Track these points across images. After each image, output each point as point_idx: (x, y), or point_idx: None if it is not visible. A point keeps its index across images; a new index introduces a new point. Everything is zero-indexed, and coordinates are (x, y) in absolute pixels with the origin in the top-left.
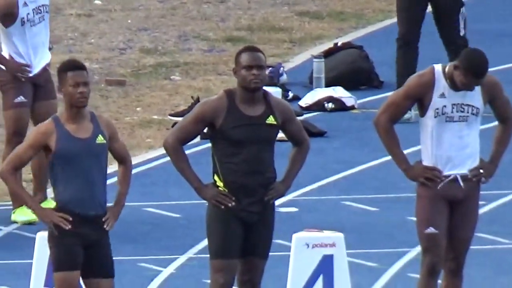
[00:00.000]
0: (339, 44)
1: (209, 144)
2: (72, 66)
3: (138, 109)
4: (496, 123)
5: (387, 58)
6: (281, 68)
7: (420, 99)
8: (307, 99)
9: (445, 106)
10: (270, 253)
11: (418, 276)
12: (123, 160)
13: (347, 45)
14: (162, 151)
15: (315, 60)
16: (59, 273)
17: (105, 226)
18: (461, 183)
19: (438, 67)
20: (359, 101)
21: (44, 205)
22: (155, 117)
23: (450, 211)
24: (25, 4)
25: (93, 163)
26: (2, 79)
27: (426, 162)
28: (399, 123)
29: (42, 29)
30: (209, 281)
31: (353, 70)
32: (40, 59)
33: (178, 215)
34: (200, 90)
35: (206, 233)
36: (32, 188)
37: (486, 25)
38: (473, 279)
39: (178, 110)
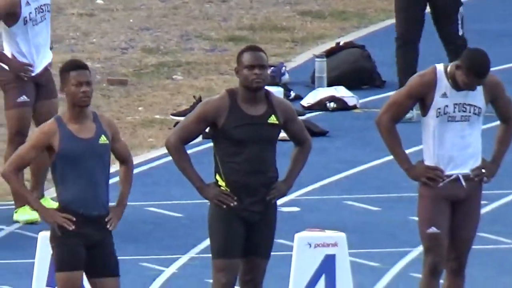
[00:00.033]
0: (341, 44)
1: (211, 144)
2: (75, 66)
3: (140, 108)
4: (498, 122)
5: (389, 57)
6: (283, 68)
7: (422, 98)
8: (309, 99)
9: (447, 105)
10: (272, 253)
11: (420, 275)
12: (125, 160)
13: (349, 45)
14: (164, 150)
15: (317, 59)
16: (61, 273)
17: (108, 226)
18: (463, 183)
19: (440, 67)
20: (361, 101)
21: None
22: (157, 116)
23: (452, 210)
24: (28, 3)
25: (96, 163)
26: (5, 78)
27: (428, 162)
28: (401, 123)
29: (44, 28)
30: (211, 280)
31: (355, 70)
32: (42, 59)
33: (180, 215)
34: (202, 89)
35: (208, 233)
36: (29, 186)
37: (486, 25)
38: (475, 279)
39: (180, 110)
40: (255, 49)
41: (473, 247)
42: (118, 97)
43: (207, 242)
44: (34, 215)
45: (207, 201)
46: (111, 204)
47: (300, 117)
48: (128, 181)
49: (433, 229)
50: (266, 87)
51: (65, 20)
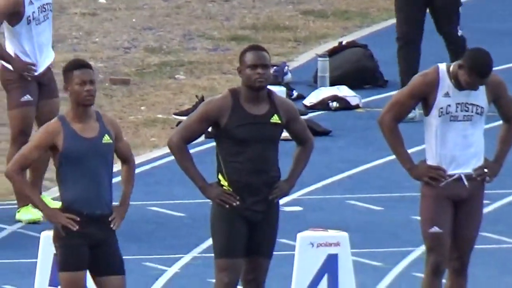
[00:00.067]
0: (343, 43)
1: (214, 143)
2: (78, 65)
3: (142, 108)
4: (500, 122)
5: (392, 57)
6: (286, 67)
7: (425, 98)
8: (312, 98)
9: (449, 105)
10: (274, 252)
11: (422, 275)
12: (127, 160)
13: (352, 44)
14: (167, 150)
15: (319, 59)
16: (64, 273)
17: (111, 226)
18: (466, 182)
19: (442, 66)
20: (363, 100)
21: None
22: (160, 116)
23: (454, 210)
24: (31, 2)
25: (100, 163)
26: (8, 78)
27: (430, 161)
28: (404, 122)
29: (46, 28)
30: (213, 280)
31: (357, 69)
32: (45, 58)
33: (182, 214)
34: (204, 89)
35: (210, 232)
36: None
37: (487, 24)
38: (477, 279)
39: (182, 109)
40: (258, 49)
41: (476, 246)
42: (120, 97)
43: (209, 242)
44: (36, 215)
45: (209, 200)
46: (113, 203)
47: (303, 117)
48: (130, 181)
49: (435, 229)
50: (269, 87)
51: (68, 19)
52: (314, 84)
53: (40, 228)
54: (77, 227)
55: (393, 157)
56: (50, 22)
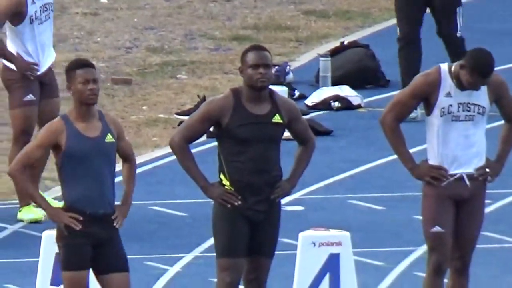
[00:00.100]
0: (345, 43)
1: (215, 143)
2: (81, 64)
3: (144, 108)
4: (502, 122)
5: (393, 57)
6: (287, 67)
7: (426, 98)
8: (314, 98)
9: (451, 105)
10: (276, 252)
11: (424, 275)
12: (128, 159)
13: (354, 44)
14: (168, 149)
15: (321, 59)
16: (67, 273)
17: (115, 224)
18: (467, 182)
19: (444, 66)
20: (365, 100)
21: None
22: (161, 115)
23: (456, 210)
24: (33, 2)
25: (103, 162)
26: (10, 78)
27: (432, 161)
28: (405, 122)
29: (48, 27)
30: (215, 279)
31: (359, 69)
32: (47, 58)
33: (184, 214)
34: (206, 89)
35: (212, 232)
36: None
37: (488, 24)
38: (479, 278)
39: (184, 109)
40: (260, 49)
41: (477, 246)
42: (122, 96)
43: (211, 241)
44: (38, 214)
45: (211, 200)
46: (116, 203)
47: (304, 117)
48: (132, 179)
49: (437, 228)
50: (271, 87)
51: (69, 19)
52: (316, 84)
53: (42, 227)
54: (80, 226)
55: (395, 157)
56: (51, 22)
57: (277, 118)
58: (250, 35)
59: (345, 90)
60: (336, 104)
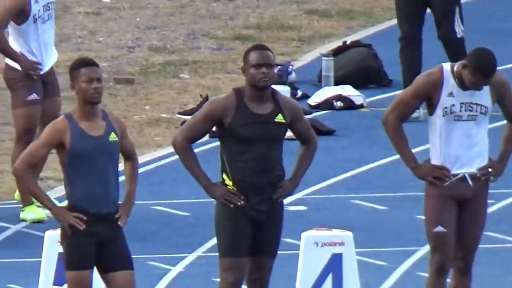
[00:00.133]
0: (348, 43)
1: (218, 143)
2: (85, 63)
3: (146, 107)
4: (504, 122)
5: (396, 56)
6: (290, 67)
7: (429, 98)
8: (316, 98)
9: (453, 105)
10: (279, 252)
11: (427, 274)
12: (130, 157)
13: (356, 44)
14: (171, 149)
15: (324, 58)
16: (71, 272)
17: (119, 223)
18: (470, 182)
19: (446, 66)
20: (368, 100)
21: None
22: (164, 115)
23: (458, 210)
24: (36, 1)
25: (107, 161)
26: (13, 77)
27: (434, 161)
28: (408, 122)
29: (50, 26)
30: (218, 279)
31: (362, 69)
32: (50, 57)
33: (186, 214)
34: (208, 88)
35: (215, 232)
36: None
37: (490, 24)
38: (482, 278)
39: (186, 109)
40: (262, 48)
41: (480, 246)
42: (124, 96)
43: (214, 241)
44: (40, 214)
45: (214, 200)
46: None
47: (307, 116)
48: (135, 178)
49: (439, 228)
50: (273, 86)
51: (72, 18)
52: (318, 84)
53: (45, 227)
54: (84, 226)
55: (397, 156)
56: (53, 21)
57: (279, 118)
58: (252, 35)
59: (347, 90)
60: (339, 103)
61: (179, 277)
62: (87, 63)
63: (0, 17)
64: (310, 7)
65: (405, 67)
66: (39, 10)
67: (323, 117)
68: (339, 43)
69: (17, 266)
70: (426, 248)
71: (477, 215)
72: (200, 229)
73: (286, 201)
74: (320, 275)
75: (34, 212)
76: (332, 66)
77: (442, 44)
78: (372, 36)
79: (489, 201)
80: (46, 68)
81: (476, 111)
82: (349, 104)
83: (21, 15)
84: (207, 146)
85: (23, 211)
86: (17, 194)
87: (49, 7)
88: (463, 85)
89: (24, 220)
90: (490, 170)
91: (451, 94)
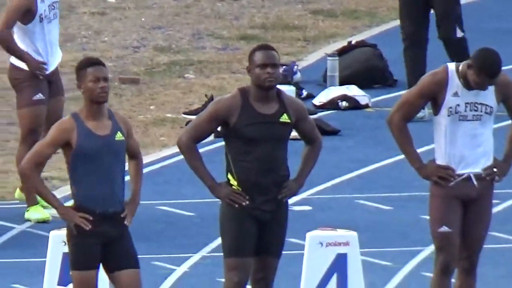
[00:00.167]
0: (353, 43)
1: (223, 143)
2: (91, 62)
3: (151, 107)
4: (509, 122)
5: (401, 56)
6: (295, 67)
7: (434, 97)
8: (321, 98)
9: (458, 105)
10: (283, 252)
11: (431, 275)
12: (135, 156)
13: (361, 44)
14: (176, 149)
15: (329, 58)
16: (76, 272)
17: (125, 222)
18: (475, 182)
19: (451, 66)
20: (373, 100)
21: None
22: (169, 115)
23: (463, 210)
24: (42, 0)
25: (113, 160)
26: (17, 77)
27: (439, 161)
28: (413, 122)
29: (55, 26)
30: (223, 279)
31: (367, 69)
32: (55, 57)
33: (191, 214)
34: (214, 88)
35: (219, 232)
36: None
37: (494, 24)
38: (486, 278)
39: (192, 109)
40: (267, 48)
41: (485, 246)
42: (130, 96)
43: (218, 241)
44: (45, 214)
45: (218, 200)
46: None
47: (312, 116)
48: (140, 176)
49: (444, 228)
50: (278, 86)
51: (77, 18)
52: (323, 84)
53: (49, 227)
54: (90, 226)
55: (402, 156)
56: (58, 21)
57: (284, 118)
58: (257, 35)
59: (352, 90)
60: (344, 103)
61: (183, 277)
62: (94, 62)
63: (7, 17)
64: (315, 7)
65: (409, 68)
66: (44, 10)
67: (328, 117)
68: (344, 43)
69: (21, 266)
70: (431, 248)
71: (482, 215)
72: (205, 229)
73: (291, 201)
74: (325, 275)
75: (38, 212)
76: (337, 66)
77: (443, 44)
78: (377, 36)
79: (494, 201)
80: (51, 68)
81: (481, 111)
82: (354, 104)
83: (27, 14)
84: (212, 146)
85: (27, 211)
86: (17, 193)
87: (54, 6)
88: (468, 85)
89: (28, 220)
90: (495, 170)
91: (456, 94)
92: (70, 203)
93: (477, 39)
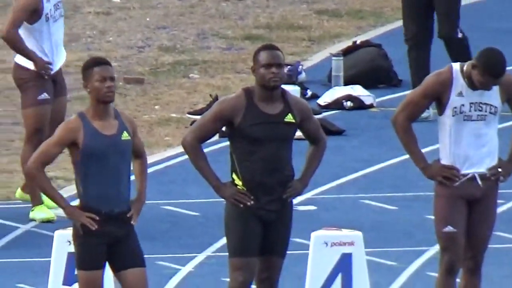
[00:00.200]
0: (357, 43)
1: (228, 143)
2: (98, 62)
3: (156, 107)
4: None
5: (406, 56)
6: (300, 67)
7: (438, 97)
8: (326, 98)
9: (463, 105)
10: (288, 252)
11: (436, 274)
12: (140, 155)
13: (366, 44)
14: (181, 149)
15: (333, 58)
16: (82, 272)
17: (131, 222)
18: (479, 182)
19: (456, 66)
20: (377, 100)
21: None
22: (174, 115)
23: (468, 210)
24: (48, 0)
25: (119, 160)
26: (22, 77)
27: (444, 161)
28: (418, 122)
29: (61, 26)
30: (227, 279)
31: (371, 69)
32: (59, 56)
33: (196, 213)
34: (218, 88)
35: (224, 232)
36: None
37: (500, 23)
38: (491, 278)
39: (196, 108)
40: (272, 48)
41: (490, 246)
42: (134, 96)
43: (223, 241)
44: (50, 214)
45: (223, 199)
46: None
47: (317, 116)
48: (144, 176)
49: (449, 228)
50: (283, 86)
51: (82, 18)
52: (328, 84)
53: (54, 227)
54: (96, 226)
55: (407, 156)
56: (63, 20)
57: (289, 118)
58: (262, 35)
59: (357, 90)
60: (349, 103)
61: (188, 277)
62: (100, 62)
63: (14, 16)
64: (320, 7)
65: (413, 69)
66: (50, 9)
67: (333, 117)
68: (349, 43)
69: (26, 266)
70: (436, 248)
71: (487, 215)
72: (209, 229)
73: (295, 201)
74: (330, 275)
75: (43, 211)
76: (342, 66)
77: (444, 44)
78: (382, 36)
79: (498, 201)
80: (56, 68)
81: (486, 111)
82: (359, 104)
83: (34, 14)
84: (217, 146)
85: (32, 210)
86: (18, 193)
87: (58, 5)
88: (472, 85)
89: (33, 220)
90: (499, 170)
91: (460, 94)
92: (76, 202)
93: (480, 39)
